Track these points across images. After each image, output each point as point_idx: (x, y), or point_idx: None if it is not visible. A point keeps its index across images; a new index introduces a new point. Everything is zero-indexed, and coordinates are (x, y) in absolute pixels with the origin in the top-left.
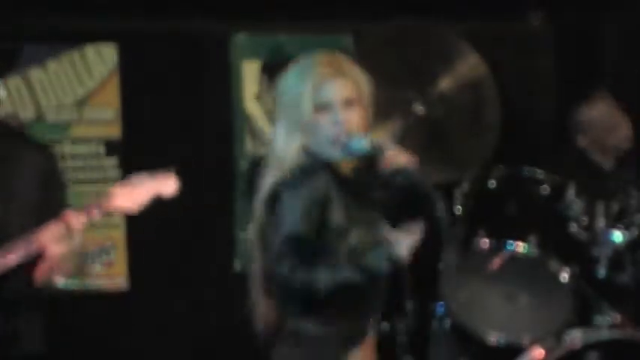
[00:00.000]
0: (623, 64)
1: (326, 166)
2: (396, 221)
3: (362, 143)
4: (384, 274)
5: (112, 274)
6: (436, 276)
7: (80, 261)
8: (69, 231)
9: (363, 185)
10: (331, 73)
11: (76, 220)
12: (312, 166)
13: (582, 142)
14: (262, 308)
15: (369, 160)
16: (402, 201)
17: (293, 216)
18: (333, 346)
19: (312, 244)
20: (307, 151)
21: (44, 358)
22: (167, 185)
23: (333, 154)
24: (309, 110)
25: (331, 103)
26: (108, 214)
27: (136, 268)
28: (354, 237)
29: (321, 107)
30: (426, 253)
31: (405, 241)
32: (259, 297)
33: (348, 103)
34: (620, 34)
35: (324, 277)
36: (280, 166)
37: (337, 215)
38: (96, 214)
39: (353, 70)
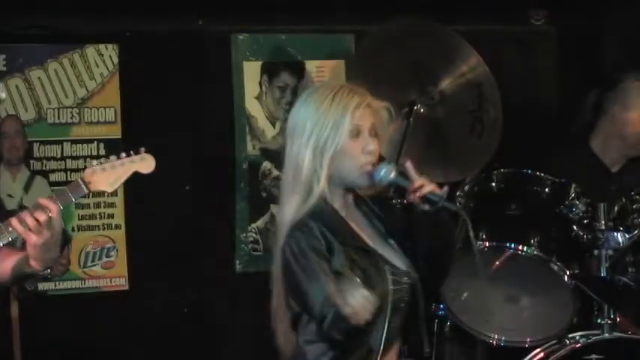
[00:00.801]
0: (625, 65)
1: (326, 213)
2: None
3: (389, 172)
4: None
5: (112, 275)
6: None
7: (56, 250)
8: (45, 219)
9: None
10: (361, 101)
11: (52, 206)
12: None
13: (595, 141)
14: (281, 336)
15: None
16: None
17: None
18: None
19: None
20: (333, 177)
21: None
22: (144, 163)
23: (361, 182)
24: (346, 136)
25: (362, 131)
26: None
27: (136, 269)
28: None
29: (354, 134)
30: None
31: None
32: (279, 325)
33: (372, 132)
34: (621, 34)
35: None
36: (306, 192)
37: (342, 265)
38: (71, 199)
39: (375, 101)
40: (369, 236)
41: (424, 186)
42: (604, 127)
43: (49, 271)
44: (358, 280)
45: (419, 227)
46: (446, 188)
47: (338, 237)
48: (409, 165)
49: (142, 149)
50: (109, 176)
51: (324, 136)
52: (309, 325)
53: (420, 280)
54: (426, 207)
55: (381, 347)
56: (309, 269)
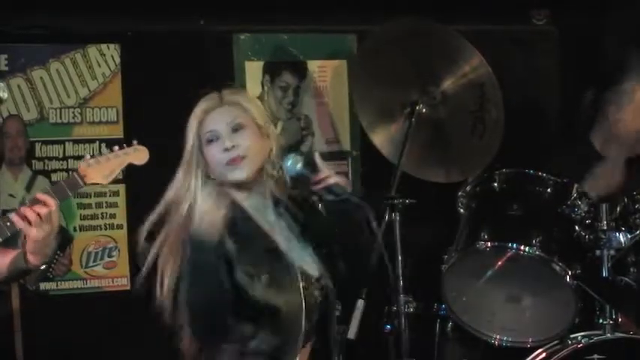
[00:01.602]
0: (626, 62)
1: (234, 216)
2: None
3: (295, 163)
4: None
5: (114, 275)
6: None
7: (54, 244)
8: (45, 213)
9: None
10: (212, 105)
11: (49, 200)
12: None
13: (596, 140)
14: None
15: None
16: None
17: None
18: None
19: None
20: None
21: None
22: (137, 155)
23: (230, 175)
24: (199, 146)
25: (217, 133)
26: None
27: (138, 269)
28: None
29: (209, 139)
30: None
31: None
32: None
33: (234, 128)
34: (623, 34)
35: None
36: (176, 211)
37: (244, 273)
38: (68, 193)
39: (236, 96)
40: (283, 238)
41: (329, 177)
42: (602, 127)
43: (45, 266)
44: (263, 279)
45: (327, 220)
46: (348, 181)
47: (243, 237)
48: (317, 156)
49: (135, 141)
50: (104, 169)
51: (188, 156)
52: None
53: (336, 284)
54: (330, 197)
55: (298, 349)
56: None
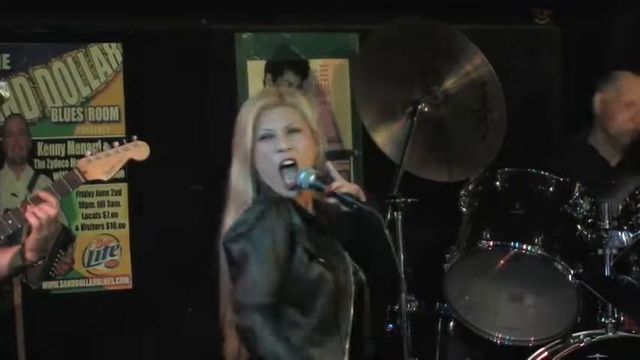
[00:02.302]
0: (630, 64)
1: (280, 205)
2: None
3: (308, 176)
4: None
5: (116, 274)
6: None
7: (53, 241)
8: (53, 215)
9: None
10: (272, 102)
11: (51, 198)
12: (266, 209)
13: (593, 136)
14: (230, 343)
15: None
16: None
17: (264, 251)
18: None
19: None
20: (262, 186)
21: (49, 358)
22: (138, 150)
23: (281, 190)
24: (250, 142)
25: (273, 132)
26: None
27: (140, 268)
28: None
29: (264, 137)
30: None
31: None
32: (228, 331)
33: (292, 130)
34: (626, 33)
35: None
36: (240, 203)
37: (308, 245)
38: (69, 189)
39: (295, 99)
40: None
41: (341, 187)
42: (596, 124)
43: (40, 262)
44: (322, 260)
45: (345, 230)
46: (359, 189)
47: (299, 218)
48: (330, 166)
49: (135, 137)
50: (105, 165)
51: (239, 144)
52: None
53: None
54: (345, 208)
55: (348, 335)
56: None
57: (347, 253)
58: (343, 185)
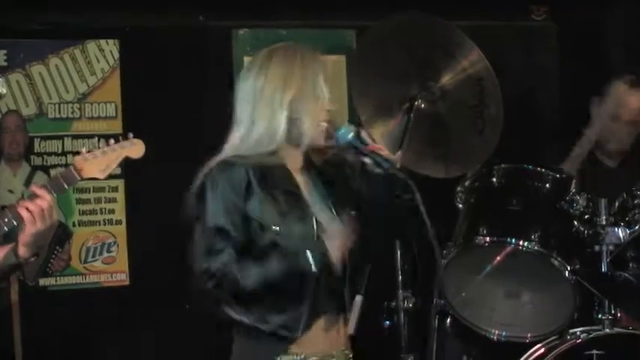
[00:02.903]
0: (627, 60)
1: (252, 163)
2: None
3: (347, 133)
4: (315, 274)
5: (113, 270)
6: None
7: (48, 238)
8: (47, 207)
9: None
10: (322, 67)
11: (46, 195)
12: (231, 162)
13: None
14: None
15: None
16: (380, 192)
17: (215, 208)
18: (267, 341)
19: (237, 237)
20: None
21: (48, 354)
22: (134, 148)
23: (320, 140)
24: (301, 96)
25: (323, 94)
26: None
27: (137, 264)
28: (285, 231)
29: (317, 96)
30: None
31: (335, 243)
32: None
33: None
34: (623, 29)
35: (252, 274)
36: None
37: (261, 208)
38: (64, 187)
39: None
40: (307, 192)
41: (382, 149)
42: (597, 123)
43: (34, 259)
44: (276, 228)
45: (372, 190)
46: (399, 154)
47: (267, 179)
48: (365, 132)
49: (131, 134)
50: (101, 163)
51: (279, 92)
52: None
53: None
54: (378, 170)
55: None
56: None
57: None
58: (381, 148)
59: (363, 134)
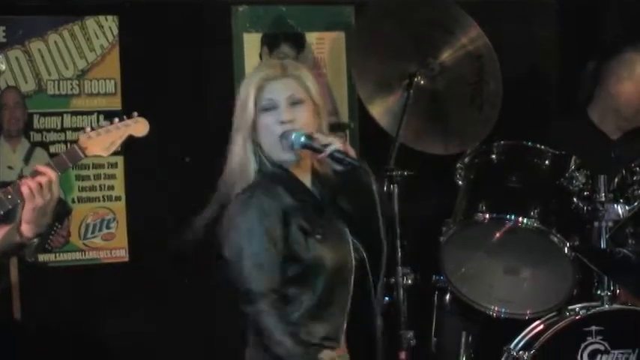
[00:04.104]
0: (626, 34)
1: (279, 178)
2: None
3: (299, 137)
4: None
5: (112, 247)
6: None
7: (50, 217)
8: (46, 182)
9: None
10: (274, 73)
11: (50, 172)
12: (264, 181)
13: (593, 112)
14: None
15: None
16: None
17: (255, 241)
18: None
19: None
20: (264, 158)
21: (47, 331)
22: (138, 127)
23: (281, 157)
24: (252, 113)
25: (276, 103)
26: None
27: (136, 241)
28: (326, 236)
29: (266, 107)
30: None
31: None
32: None
33: (294, 101)
34: (622, 5)
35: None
36: (244, 178)
37: (302, 224)
38: (68, 165)
39: (298, 71)
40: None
41: (330, 144)
42: (600, 99)
43: (37, 239)
44: (319, 237)
45: (344, 193)
46: (348, 146)
47: (294, 196)
48: (317, 133)
49: (135, 113)
50: (105, 141)
51: (241, 116)
52: None
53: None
54: (338, 167)
55: (345, 317)
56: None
57: (347, 227)
58: (332, 142)
59: (316, 135)
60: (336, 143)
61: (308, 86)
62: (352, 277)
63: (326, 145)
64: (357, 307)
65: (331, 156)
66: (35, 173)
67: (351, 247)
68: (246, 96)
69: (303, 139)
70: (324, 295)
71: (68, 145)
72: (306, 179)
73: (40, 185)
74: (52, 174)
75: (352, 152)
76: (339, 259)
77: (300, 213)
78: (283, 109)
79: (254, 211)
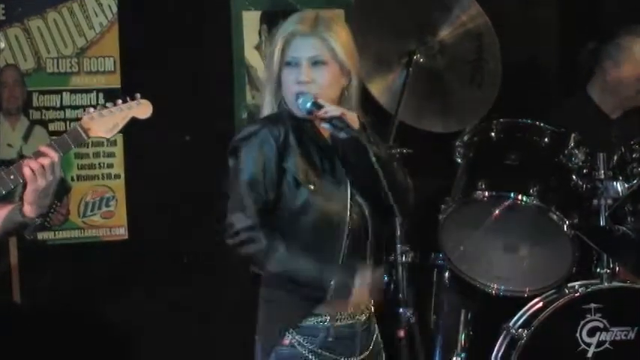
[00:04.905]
0: (624, 15)
1: (290, 120)
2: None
3: (306, 101)
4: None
5: (112, 225)
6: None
7: (52, 196)
8: (48, 163)
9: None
10: (302, 30)
11: (52, 153)
12: (273, 118)
13: (593, 92)
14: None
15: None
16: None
17: (251, 164)
18: (296, 303)
19: (270, 196)
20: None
21: (46, 308)
22: (141, 109)
23: (298, 113)
24: (277, 66)
25: (297, 60)
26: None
27: (135, 219)
28: (320, 190)
29: (288, 63)
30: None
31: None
32: None
33: (316, 61)
34: None
35: (279, 262)
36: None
37: (297, 170)
38: (71, 145)
39: (329, 32)
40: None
41: (329, 111)
42: (599, 79)
43: (41, 219)
44: (312, 187)
45: (344, 158)
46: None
47: (303, 144)
48: (322, 99)
49: (138, 95)
50: (108, 122)
51: (267, 66)
52: None
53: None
54: (342, 134)
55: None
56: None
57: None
58: (329, 110)
59: (321, 101)
60: (336, 111)
61: (334, 47)
62: (346, 231)
63: (327, 112)
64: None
65: (330, 123)
66: (38, 154)
67: (349, 202)
68: (273, 49)
69: (308, 104)
70: (309, 246)
71: (67, 123)
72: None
73: (43, 167)
74: (54, 155)
75: (356, 123)
76: (330, 211)
77: (300, 159)
78: (303, 68)
79: (253, 142)
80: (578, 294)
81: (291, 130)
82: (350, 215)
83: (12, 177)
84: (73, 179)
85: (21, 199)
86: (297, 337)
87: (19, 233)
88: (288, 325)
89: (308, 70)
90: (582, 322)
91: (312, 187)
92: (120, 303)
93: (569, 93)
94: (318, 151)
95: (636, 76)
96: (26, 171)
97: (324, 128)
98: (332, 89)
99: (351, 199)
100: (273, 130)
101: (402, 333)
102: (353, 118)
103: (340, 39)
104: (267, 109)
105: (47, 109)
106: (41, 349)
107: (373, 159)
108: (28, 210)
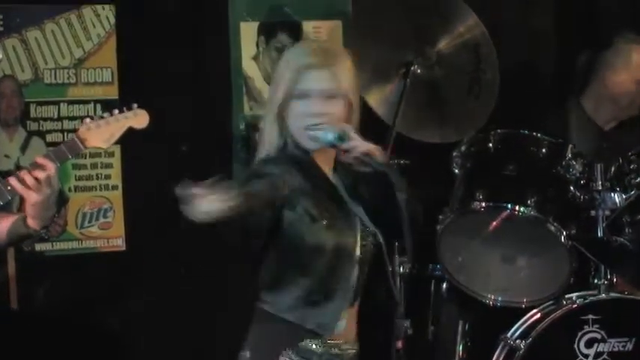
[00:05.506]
0: (623, 21)
1: (298, 160)
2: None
3: (326, 134)
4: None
5: (109, 236)
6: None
7: (54, 208)
8: (44, 177)
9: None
10: (315, 63)
11: (49, 164)
12: (283, 156)
13: (587, 102)
14: None
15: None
16: (371, 190)
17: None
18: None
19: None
20: (289, 139)
21: (43, 319)
22: (138, 119)
23: (306, 144)
24: (285, 97)
25: (309, 93)
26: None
27: (133, 230)
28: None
29: (299, 96)
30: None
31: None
32: None
33: (329, 95)
34: None
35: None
36: (266, 149)
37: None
38: (68, 156)
39: (339, 65)
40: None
41: (357, 147)
42: (595, 89)
43: (44, 231)
44: (324, 222)
45: (361, 189)
46: (376, 148)
47: (309, 181)
48: (347, 127)
49: (135, 105)
50: (104, 132)
51: (272, 95)
52: None
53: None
54: (362, 168)
55: (353, 301)
56: None
57: (362, 217)
58: (359, 145)
59: (346, 133)
60: (362, 147)
61: (344, 80)
62: (357, 265)
63: (355, 147)
64: (374, 294)
65: (359, 160)
66: (35, 165)
67: (358, 234)
68: (280, 79)
69: (330, 136)
70: (322, 282)
71: (65, 134)
72: (328, 167)
73: (38, 181)
74: (51, 166)
75: (381, 156)
76: (344, 246)
77: (311, 198)
78: (317, 100)
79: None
80: (575, 305)
81: (295, 167)
82: (360, 245)
83: (9, 188)
84: (70, 190)
85: (19, 210)
86: (293, 357)
87: (23, 243)
88: (285, 345)
89: (321, 103)
90: (580, 333)
91: (325, 223)
92: (117, 314)
93: (560, 104)
94: (321, 184)
95: (634, 82)
96: (15, 184)
97: (346, 161)
98: (341, 122)
99: (362, 230)
100: (285, 171)
101: (399, 344)
102: (381, 153)
103: (350, 73)
104: (268, 132)
105: (45, 120)
106: None
107: (400, 197)
108: (32, 223)
